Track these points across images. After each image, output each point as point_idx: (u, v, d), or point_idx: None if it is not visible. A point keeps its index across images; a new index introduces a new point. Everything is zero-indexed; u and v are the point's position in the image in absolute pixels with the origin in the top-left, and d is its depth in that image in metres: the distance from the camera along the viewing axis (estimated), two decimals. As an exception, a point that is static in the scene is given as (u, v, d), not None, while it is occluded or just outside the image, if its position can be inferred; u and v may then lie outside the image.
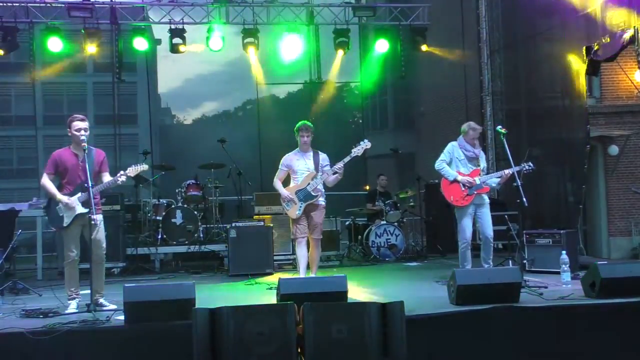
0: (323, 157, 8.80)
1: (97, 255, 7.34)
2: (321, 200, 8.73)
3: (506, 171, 8.84)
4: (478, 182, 8.91)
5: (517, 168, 8.66)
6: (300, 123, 8.84)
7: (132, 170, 7.48)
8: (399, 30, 14.54)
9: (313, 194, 8.62)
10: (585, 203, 11.93)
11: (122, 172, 7.45)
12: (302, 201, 8.63)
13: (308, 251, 8.77)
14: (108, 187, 7.49)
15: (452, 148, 9.19)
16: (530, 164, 8.78)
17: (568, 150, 12.14)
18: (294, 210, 8.67)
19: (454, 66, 16.40)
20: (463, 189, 8.94)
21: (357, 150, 8.57)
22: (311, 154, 8.80)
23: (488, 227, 8.99)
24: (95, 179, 7.40)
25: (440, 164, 9.16)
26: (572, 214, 11.64)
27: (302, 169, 8.73)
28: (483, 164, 9.18)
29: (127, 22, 13.77)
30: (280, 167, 8.88)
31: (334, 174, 8.58)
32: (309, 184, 8.62)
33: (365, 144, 8.61)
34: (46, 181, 7.41)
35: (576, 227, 11.29)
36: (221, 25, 13.84)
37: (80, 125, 7.38)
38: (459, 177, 8.97)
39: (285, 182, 8.90)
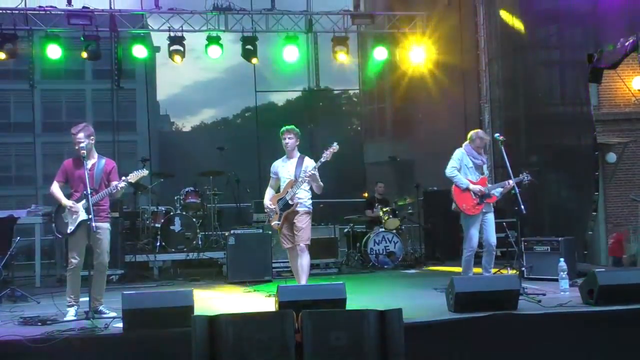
0: (307, 164, 8.51)
1: (99, 263, 7.41)
2: (300, 207, 8.45)
3: (510, 182, 8.74)
4: (487, 190, 8.90)
5: (517, 179, 8.67)
6: (283, 128, 8.68)
7: (133, 176, 7.54)
8: (398, 38, 14.58)
9: (290, 202, 8.37)
10: (584, 210, 11.97)
11: (123, 178, 7.51)
12: (281, 210, 8.45)
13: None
14: (109, 194, 7.52)
15: (462, 155, 9.08)
16: (528, 175, 8.77)
17: (569, 157, 12.17)
18: (274, 221, 8.53)
19: (452, 74, 16.42)
20: (474, 197, 8.88)
21: (325, 155, 8.26)
22: (295, 160, 8.58)
23: (491, 235, 8.96)
24: (104, 188, 7.45)
25: (452, 170, 9.00)
26: (581, 220, 11.69)
27: (285, 176, 8.55)
28: (486, 172, 9.15)
29: (126, 29, 13.80)
30: (270, 174, 8.78)
31: (307, 179, 8.33)
32: (287, 192, 8.42)
33: (333, 147, 8.29)
34: (54, 188, 7.50)
35: (587, 234, 11.37)
36: (220, 33, 13.85)
37: (76, 138, 7.42)
38: (471, 186, 8.88)
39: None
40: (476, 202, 8.87)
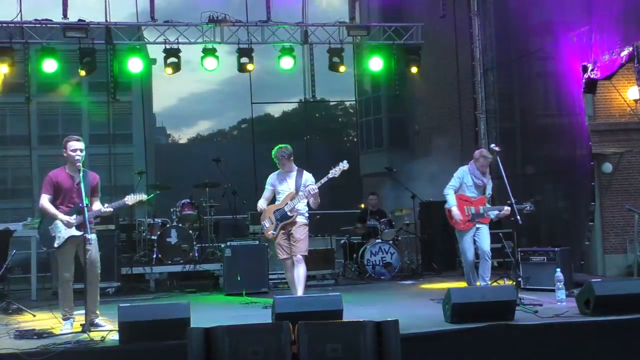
0: (306, 178, 8.65)
1: (92, 276, 7.37)
2: (299, 219, 8.57)
3: (505, 208, 8.92)
4: (482, 211, 9.16)
5: (519, 207, 8.71)
6: (274, 151, 8.71)
7: (131, 199, 7.61)
8: (393, 49, 14.61)
9: (289, 214, 8.49)
10: (581, 220, 11.97)
11: (120, 201, 7.58)
12: (278, 221, 8.55)
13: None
14: (105, 214, 7.63)
15: (463, 173, 9.39)
16: (532, 205, 8.84)
17: (565, 167, 12.18)
18: (269, 230, 8.62)
19: (448, 84, 16.46)
20: (467, 213, 9.15)
21: (334, 172, 8.40)
22: (294, 173, 8.70)
23: (485, 244, 9.20)
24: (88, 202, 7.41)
25: (447, 189, 9.36)
26: (578, 231, 11.70)
27: (284, 189, 8.65)
28: (489, 192, 9.39)
29: (122, 42, 13.81)
30: (266, 186, 8.86)
31: (309, 195, 8.41)
32: (287, 204, 8.52)
33: (343, 165, 8.44)
34: (45, 202, 7.38)
35: (585, 244, 11.39)
36: (215, 45, 13.86)
37: (76, 146, 7.41)
38: (454, 211, 9.16)
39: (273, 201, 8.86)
40: (467, 219, 9.15)
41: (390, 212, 14.09)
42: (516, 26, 13.88)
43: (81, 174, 7.33)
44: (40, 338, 6.77)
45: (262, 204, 8.78)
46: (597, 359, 6.60)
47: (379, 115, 28.49)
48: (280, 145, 8.74)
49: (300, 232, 8.55)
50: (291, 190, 8.59)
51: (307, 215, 8.71)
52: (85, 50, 13.19)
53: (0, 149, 30.89)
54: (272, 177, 8.85)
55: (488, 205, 9.26)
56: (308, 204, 8.64)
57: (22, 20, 13.33)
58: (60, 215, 7.33)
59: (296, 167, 8.76)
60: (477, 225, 9.16)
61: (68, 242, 7.35)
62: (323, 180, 8.41)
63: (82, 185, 7.25)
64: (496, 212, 9.14)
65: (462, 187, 9.33)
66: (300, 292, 8.43)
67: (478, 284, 9.21)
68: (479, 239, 9.17)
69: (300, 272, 8.50)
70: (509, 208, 8.70)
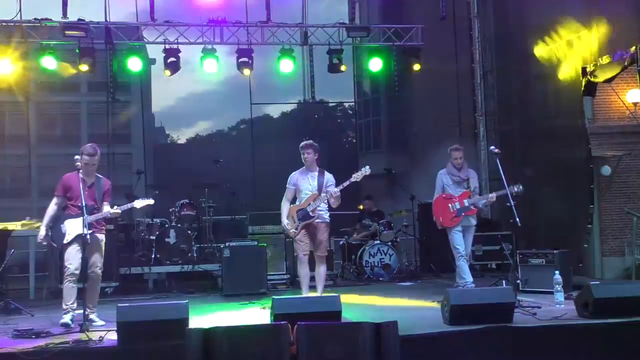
0: (328, 178, 8.87)
1: (94, 273, 7.76)
2: (320, 220, 8.83)
3: (490, 195, 9.34)
4: (467, 204, 9.41)
5: (503, 192, 8.79)
6: (304, 142, 8.98)
7: (139, 203, 8.15)
8: (393, 51, 14.60)
9: (311, 214, 8.74)
10: (580, 223, 11.96)
11: (129, 204, 8.17)
12: (300, 220, 8.79)
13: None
14: (114, 216, 8.23)
15: (440, 178, 9.76)
16: (520, 186, 8.88)
17: (563, 170, 12.18)
18: (292, 229, 8.87)
19: (448, 86, 16.45)
20: (452, 210, 9.41)
21: (356, 176, 8.71)
22: (316, 173, 8.90)
23: (467, 247, 9.63)
24: (102, 205, 7.95)
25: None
26: (577, 233, 11.73)
27: (307, 189, 8.86)
28: (474, 184, 9.61)
29: (122, 41, 13.79)
30: (287, 186, 9.03)
31: (331, 197, 8.64)
32: (309, 204, 8.75)
33: (366, 170, 8.69)
34: (50, 205, 7.93)
35: (583, 246, 11.43)
36: (215, 46, 13.84)
37: (87, 161, 7.81)
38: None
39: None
40: (453, 215, 9.44)
41: (389, 213, 14.07)
42: (516, 28, 13.89)
43: (95, 179, 7.87)
44: (38, 337, 6.78)
45: (285, 204, 9.01)
46: (595, 362, 6.61)
47: (378, 116, 28.52)
48: (311, 141, 9.03)
49: (323, 233, 8.89)
50: (313, 190, 8.80)
51: (327, 214, 8.97)
52: (84, 50, 13.17)
53: (-1, 148, 30.87)
54: (293, 177, 9.02)
55: (474, 197, 9.47)
56: (328, 204, 8.86)
57: (21, 19, 13.30)
58: (43, 230, 7.87)
59: (317, 167, 8.96)
60: (465, 224, 9.46)
61: (76, 239, 7.71)
62: (345, 184, 8.72)
63: (96, 191, 7.80)
64: (483, 201, 9.50)
65: (445, 189, 9.65)
66: (320, 290, 8.83)
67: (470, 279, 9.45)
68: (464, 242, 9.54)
69: (321, 271, 8.91)
70: (494, 195, 9.14)
